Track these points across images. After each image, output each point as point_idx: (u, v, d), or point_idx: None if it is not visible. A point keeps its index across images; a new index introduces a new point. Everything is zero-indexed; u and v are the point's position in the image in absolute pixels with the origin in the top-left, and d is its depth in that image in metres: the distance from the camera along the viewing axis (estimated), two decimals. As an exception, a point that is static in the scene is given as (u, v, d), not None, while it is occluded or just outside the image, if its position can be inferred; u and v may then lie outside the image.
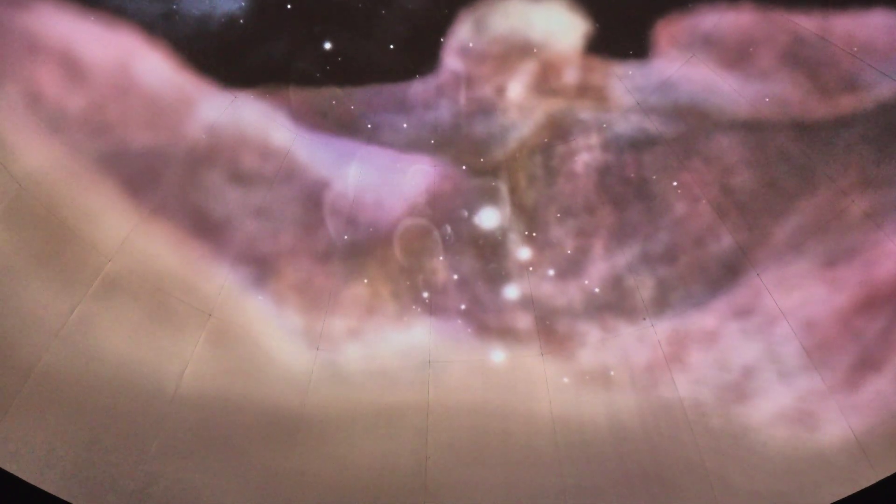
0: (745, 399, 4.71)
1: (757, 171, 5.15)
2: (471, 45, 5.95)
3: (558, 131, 6.21)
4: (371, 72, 6.27)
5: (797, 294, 4.64)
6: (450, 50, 6.03)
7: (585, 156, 6.21)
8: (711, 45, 4.79)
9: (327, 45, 6.21)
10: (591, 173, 6.23)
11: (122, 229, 5.02)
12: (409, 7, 5.96)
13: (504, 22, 5.97)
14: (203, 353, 5.25)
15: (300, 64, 6.35)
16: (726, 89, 4.81)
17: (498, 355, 6.12)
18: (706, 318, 5.28)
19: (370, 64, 6.27)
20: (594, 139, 6.13)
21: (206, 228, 5.66)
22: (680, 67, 5.03)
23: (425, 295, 6.30)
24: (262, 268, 5.92)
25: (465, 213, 6.50)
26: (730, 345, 4.94)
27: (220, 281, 5.60)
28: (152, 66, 5.35)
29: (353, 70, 6.32)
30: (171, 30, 5.58)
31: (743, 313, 4.98)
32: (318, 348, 5.95)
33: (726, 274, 5.29)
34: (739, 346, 4.87)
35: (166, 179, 5.34)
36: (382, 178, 6.53)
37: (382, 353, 6.08)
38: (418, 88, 6.21)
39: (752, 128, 5.01)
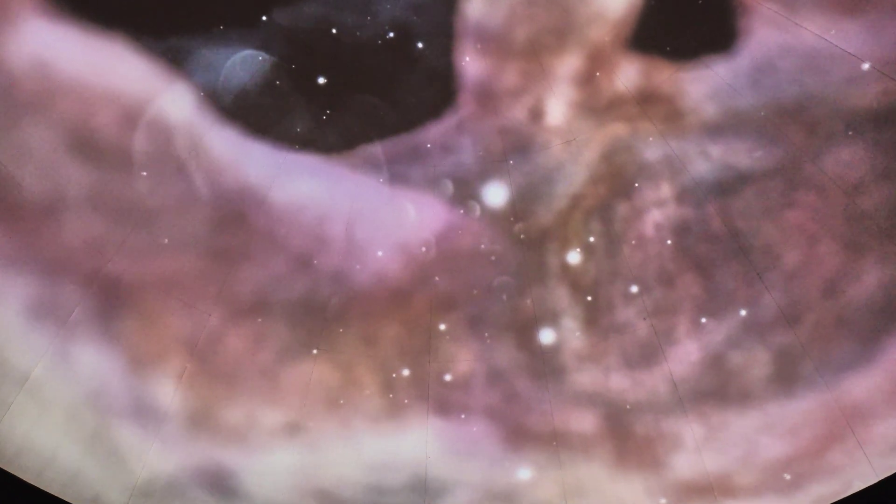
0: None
1: (897, 179, 3.85)
2: (489, 24, 4.77)
3: (619, 182, 5.07)
4: (387, 122, 5.34)
5: None
6: (465, 40, 4.82)
7: (656, 214, 4.97)
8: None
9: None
10: (665, 235, 4.93)
11: None
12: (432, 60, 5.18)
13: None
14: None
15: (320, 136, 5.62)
16: (851, 49, 3.70)
17: (542, 470, 4.28)
18: (872, 379, 3.53)
19: (386, 114, 5.38)
20: (666, 190, 4.95)
21: (6, 211, 3.60)
22: (779, 34, 3.97)
23: (428, 384, 4.63)
24: (111, 298, 3.92)
25: (499, 288, 5.10)
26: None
27: (13, 300, 3.50)
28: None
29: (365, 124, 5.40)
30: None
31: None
32: (212, 446, 3.98)
33: (882, 318, 3.67)
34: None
35: None
36: (370, 213, 4.92)
37: (343, 465, 4.24)
38: (436, 130, 5.13)
39: (884, 118, 3.83)
